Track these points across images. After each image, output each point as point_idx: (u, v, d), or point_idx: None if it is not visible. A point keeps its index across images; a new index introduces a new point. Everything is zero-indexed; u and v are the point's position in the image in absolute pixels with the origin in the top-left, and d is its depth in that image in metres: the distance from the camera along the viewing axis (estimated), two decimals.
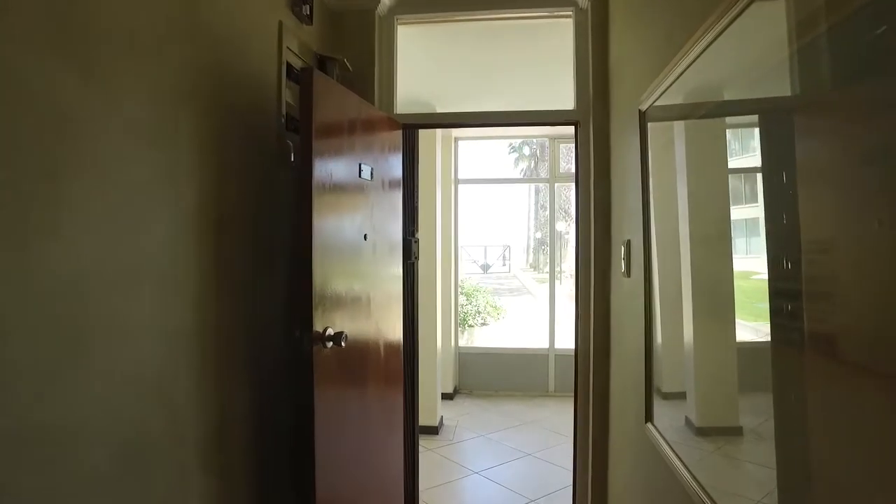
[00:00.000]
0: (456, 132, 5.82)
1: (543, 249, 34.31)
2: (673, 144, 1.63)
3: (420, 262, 4.81)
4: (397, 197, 2.69)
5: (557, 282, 6.12)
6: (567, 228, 24.07)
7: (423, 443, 4.59)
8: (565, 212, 24.32)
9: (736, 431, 1.23)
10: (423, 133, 5.07)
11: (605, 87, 2.65)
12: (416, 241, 2.88)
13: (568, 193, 24.15)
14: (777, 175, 1.02)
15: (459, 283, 8.60)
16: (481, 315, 8.08)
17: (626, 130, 2.23)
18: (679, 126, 1.61)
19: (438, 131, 4.98)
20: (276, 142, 2.17)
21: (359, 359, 2.25)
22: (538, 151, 33.65)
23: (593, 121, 2.70)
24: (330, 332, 1.95)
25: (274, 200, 2.14)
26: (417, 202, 2.91)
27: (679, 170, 1.56)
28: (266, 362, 2.06)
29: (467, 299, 8.19)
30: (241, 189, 1.92)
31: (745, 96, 1.20)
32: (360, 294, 2.27)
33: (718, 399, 1.37)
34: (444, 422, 5.02)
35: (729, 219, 1.21)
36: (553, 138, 5.90)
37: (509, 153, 38.90)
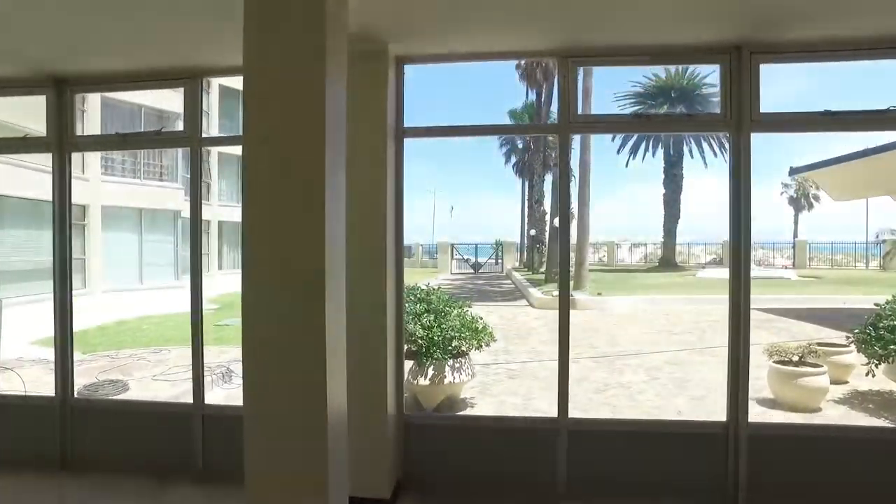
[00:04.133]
0: (395, 46, 3.30)
1: (538, 248, 32.00)
2: None
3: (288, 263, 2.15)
4: None
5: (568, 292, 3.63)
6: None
7: None
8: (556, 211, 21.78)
9: None
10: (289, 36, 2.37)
11: None
12: None
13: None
14: None
15: (427, 293, 6.09)
16: (455, 343, 5.60)
17: None
18: None
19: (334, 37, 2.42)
20: None
21: None
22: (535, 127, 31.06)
23: None
24: None
25: None
26: None
27: None
28: None
29: (435, 319, 5.69)
30: None
31: None
32: None
33: None
34: None
35: None
36: (565, 56, 3.40)
37: (500, 146, 36.57)
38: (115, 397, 6.11)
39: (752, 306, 3.32)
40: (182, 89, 3.74)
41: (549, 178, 30.43)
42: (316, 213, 2.17)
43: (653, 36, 3.23)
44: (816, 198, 41.09)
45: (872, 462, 3.21)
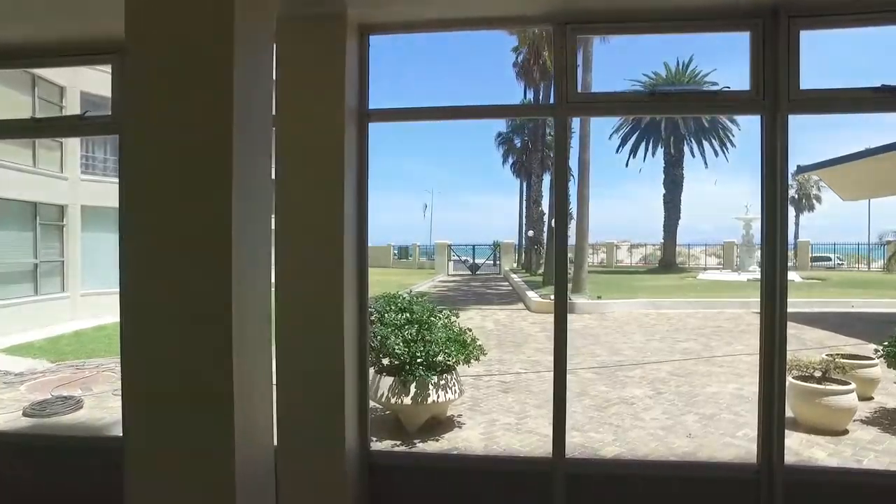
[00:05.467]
0: (355, 11, 2.72)
1: (536, 249, 31.37)
2: None
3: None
4: None
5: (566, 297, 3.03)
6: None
7: None
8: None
9: None
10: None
11: None
12: None
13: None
14: None
15: (410, 302, 5.52)
16: (440, 359, 5.01)
17: None
18: None
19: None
20: None
21: None
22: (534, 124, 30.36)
23: None
24: None
25: None
26: None
27: None
28: None
29: (418, 331, 5.11)
30: None
31: None
32: None
33: None
34: None
35: None
36: (562, 22, 2.82)
37: (497, 144, 35.92)
38: (63, 416, 5.52)
39: (757, 311, 2.80)
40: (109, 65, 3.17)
41: (547, 179, 29.88)
42: (219, 210, 1.60)
43: None
44: (818, 198, 40.59)
45: None
